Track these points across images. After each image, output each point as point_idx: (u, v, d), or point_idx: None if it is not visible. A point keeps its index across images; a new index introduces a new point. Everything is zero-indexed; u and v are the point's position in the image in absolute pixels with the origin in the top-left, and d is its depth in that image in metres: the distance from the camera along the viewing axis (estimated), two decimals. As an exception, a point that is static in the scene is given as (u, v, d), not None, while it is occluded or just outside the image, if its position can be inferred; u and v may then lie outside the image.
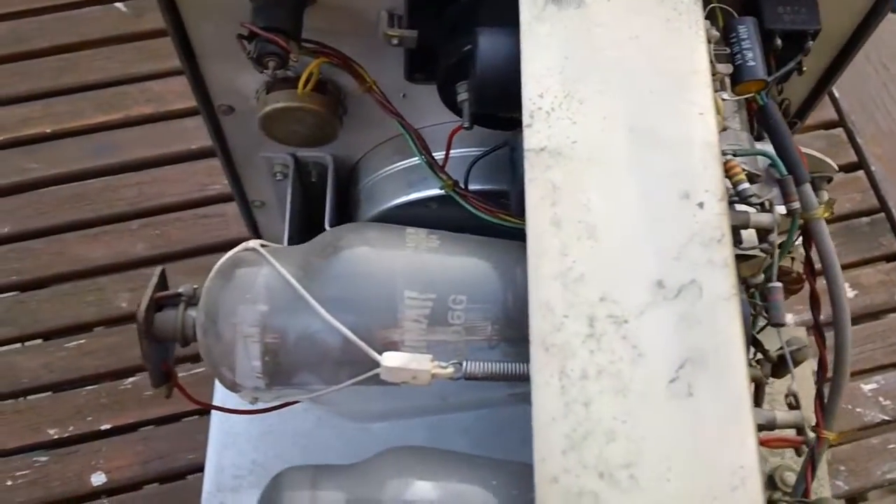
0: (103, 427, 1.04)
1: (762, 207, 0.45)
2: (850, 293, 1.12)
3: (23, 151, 1.19)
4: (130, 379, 1.07)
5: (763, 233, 0.45)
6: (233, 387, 0.46)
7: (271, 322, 0.44)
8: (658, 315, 0.41)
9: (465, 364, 0.42)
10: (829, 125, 1.23)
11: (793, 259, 0.58)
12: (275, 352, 0.44)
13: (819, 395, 0.53)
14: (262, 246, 0.45)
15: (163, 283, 0.47)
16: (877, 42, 1.22)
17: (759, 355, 0.51)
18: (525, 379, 0.42)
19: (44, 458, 1.02)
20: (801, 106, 0.70)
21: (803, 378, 0.54)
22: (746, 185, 0.45)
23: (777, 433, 0.42)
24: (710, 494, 0.37)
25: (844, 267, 1.11)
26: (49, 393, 1.06)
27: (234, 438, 0.65)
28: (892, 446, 1.05)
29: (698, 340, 0.40)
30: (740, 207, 0.45)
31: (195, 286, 0.47)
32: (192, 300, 0.46)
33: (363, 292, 0.43)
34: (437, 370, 0.41)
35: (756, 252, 0.45)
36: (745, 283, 0.47)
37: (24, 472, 1.02)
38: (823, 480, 0.70)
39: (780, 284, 0.45)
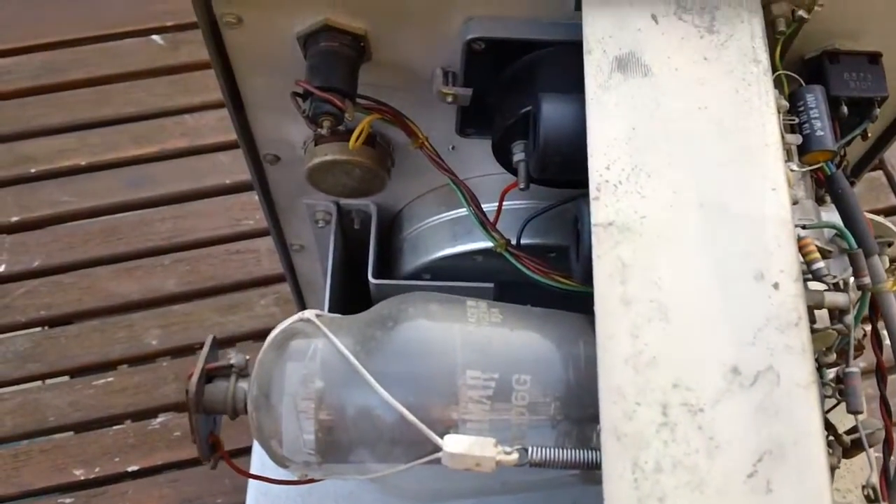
0: (130, 469, 1.03)
1: (836, 287, 0.43)
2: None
3: (56, 184, 1.19)
4: (159, 419, 1.06)
5: (838, 312, 0.43)
6: (282, 462, 0.44)
7: (326, 398, 0.42)
8: (734, 404, 0.39)
9: (530, 450, 0.40)
10: (889, 212, 1.21)
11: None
12: (329, 429, 0.42)
13: (884, 471, 0.50)
14: (318, 316, 0.44)
15: (213, 352, 0.46)
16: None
17: (830, 436, 0.49)
18: (594, 467, 0.40)
19: (69, 500, 1.01)
20: (857, 164, 0.68)
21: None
22: (821, 263, 0.43)
23: (858, 532, 0.40)
24: None
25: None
26: (75, 432, 1.05)
27: (272, 500, 0.64)
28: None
29: (776, 431, 0.38)
30: (814, 285, 0.44)
31: (247, 357, 0.46)
32: (243, 371, 0.45)
33: (423, 370, 0.42)
34: (502, 457, 0.40)
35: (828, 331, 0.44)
36: (815, 360, 0.45)
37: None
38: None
39: (857, 370, 0.43)
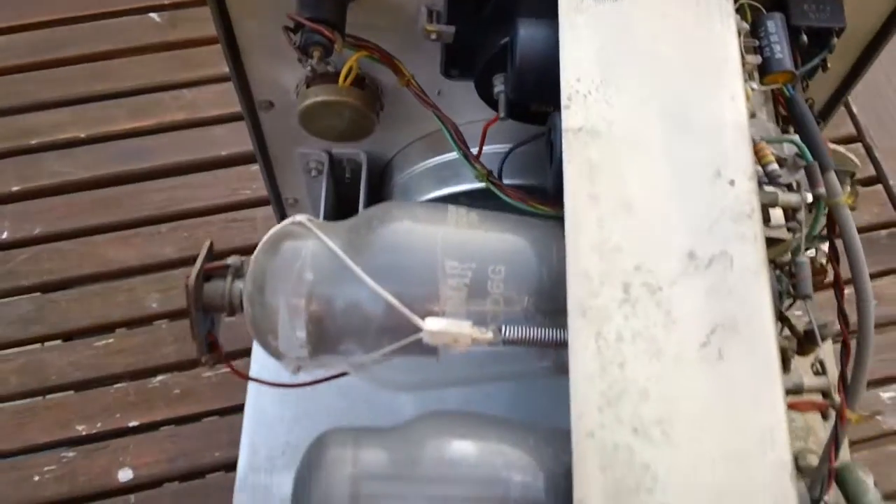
0: (131, 424, 1.06)
1: (789, 188, 0.47)
2: (868, 304, 1.13)
3: (56, 155, 1.22)
4: (158, 377, 1.09)
5: (791, 212, 0.47)
6: (277, 355, 0.48)
7: (317, 291, 0.46)
8: (690, 284, 0.42)
9: (503, 329, 0.43)
10: (848, 140, 1.25)
11: (816, 250, 0.59)
12: (319, 320, 0.46)
13: (843, 376, 0.54)
14: (309, 220, 0.47)
15: (210, 255, 0.49)
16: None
17: (787, 331, 0.52)
18: (562, 345, 0.44)
19: (71, 454, 1.04)
20: (824, 108, 0.72)
21: (827, 362, 0.55)
22: (775, 166, 0.47)
23: (804, 397, 0.43)
24: (741, 453, 0.39)
25: (863, 279, 1.13)
26: (77, 391, 1.08)
27: (267, 421, 0.67)
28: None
29: (729, 308, 0.42)
30: (769, 188, 0.47)
31: (242, 258, 0.49)
32: (240, 272, 0.48)
33: (406, 262, 0.45)
34: (477, 334, 0.43)
35: (783, 233, 0.47)
36: (773, 263, 0.49)
37: (51, 468, 1.03)
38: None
39: (807, 259, 0.47)
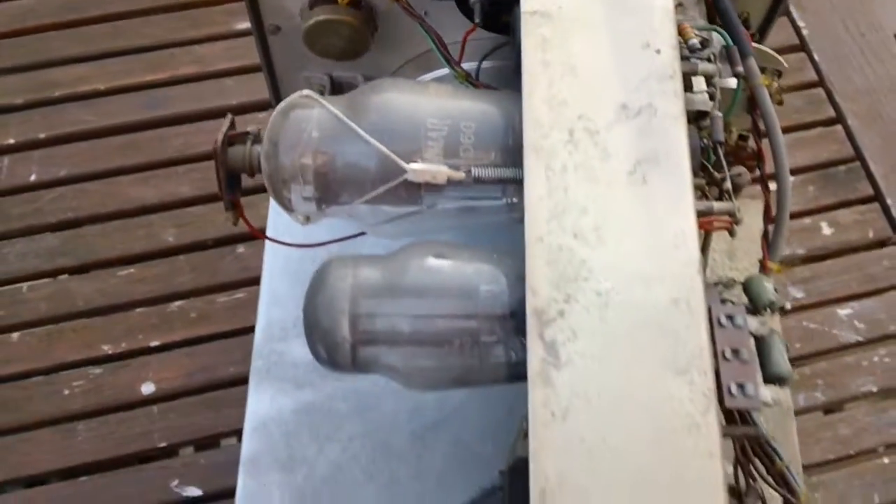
0: (152, 344, 1.16)
1: (708, 60, 0.57)
2: (828, 231, 1.24)
3: (79, 105, 1.32)
4: (176, 303, 1.19)
5: (709, 78, 0.57)
6: (289, 208, 0.58)
7: (322, 147, 0.56)
8: (622, 128, 0.53)
9: (473, 170, 0.54)
10: (809, 85, 1.35)
11: (740, 136, 0.69)
12: (324, 172, 0.56)
13: (765, 234, 0.64)
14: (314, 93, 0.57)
15: (233, 126, 0.59)
16: (854, 12, 1.34)
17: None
18: (519, 181, 0.54)
19: (98, 371, 1.15)
20: (762, 24, 0.82)
21: (753, 225, 0.65)
22: (696, 41, 0.57)
23: (713, 218, 0.53)
24: (658, 249, 0.49)
25: (824, 209, 1.23)
26: (102, 315, 1.18)
27: (279, 301, 0.77)
28: (865, 363, 1.15)
29: (652, 146, 0.52)
30: (692, 61, 0.57)
31: (259, 127, 0.59)
32: (258, 138, 0.58)
33: (394, 121, 0.55)
34: (452, 173, 0.53)
35: (704, 98, 0.57)
36: (697, 127, 0.59)
37: (79, 383, 1.14)
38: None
39: (719, 115, 0.57)
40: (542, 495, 0.44)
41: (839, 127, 1.31)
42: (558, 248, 0.49)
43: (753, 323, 0.49)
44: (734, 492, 0.50)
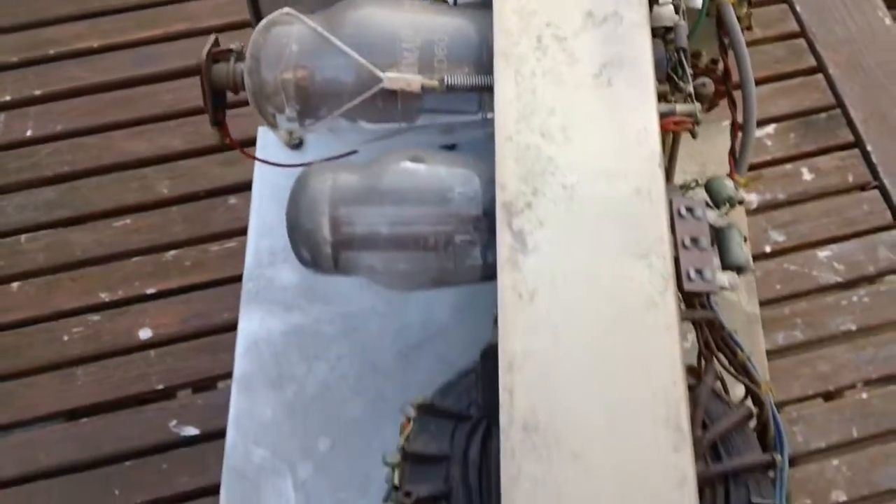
0: (149, 291, 1.19)
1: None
2: (808, 176, 1.26)
3: (73, 63, 1.34)
4: (171, 252, 1.22)
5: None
6: (273, 122, 0.60)
7: (302, 61, 0.58)
8: (588, 35, 0.55)
9: (446, 77, 0.56)
10: (791, 36, 1.37)
11: (712, 59, 0.72)
12: (304, 84, 0.58)
13: (731, 149, 0.67)
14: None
15: (217, 45, 0.62)
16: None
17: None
18: (490, 89, 0.56)
19: (96, 318, 1.17)
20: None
21: (724, 150, 0.68)
22: (661, -43, 0.59)
23: (675, 118, 0.56)
24: (621, 146, 0.52)
25: (805, 155, 1.26)
26: (99, 264, 1.21)
27: (269, 227, 0.80)
28: (844, 303, 1.18)
29: (617, 51, 0.55)
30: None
31: (243, 44, 0.62)
32: (241, 56, 0.61)
33: (371, 34, 0.58)
34: (426, 81, 0.56)
35: (670, 11, 0.59)
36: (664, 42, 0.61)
37: (78, 329, 1.16)
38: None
39: (684, 23, 0.59)
40: (510, 368, 0.47)
41: (820, 76, 1.34)
42: (526, 147, 0.52)
43: (712, 215, 0.52)
44: (694, 371, 0.53)
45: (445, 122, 0.62)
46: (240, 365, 0.75)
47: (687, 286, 0.50)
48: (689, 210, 0.52)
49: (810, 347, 1.17)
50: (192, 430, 1.11)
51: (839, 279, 1.20)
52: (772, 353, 1.15)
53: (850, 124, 1.30)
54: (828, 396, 1.13)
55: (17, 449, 1.09)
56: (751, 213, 1.24)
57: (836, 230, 1.23)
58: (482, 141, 0.62)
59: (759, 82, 1.30)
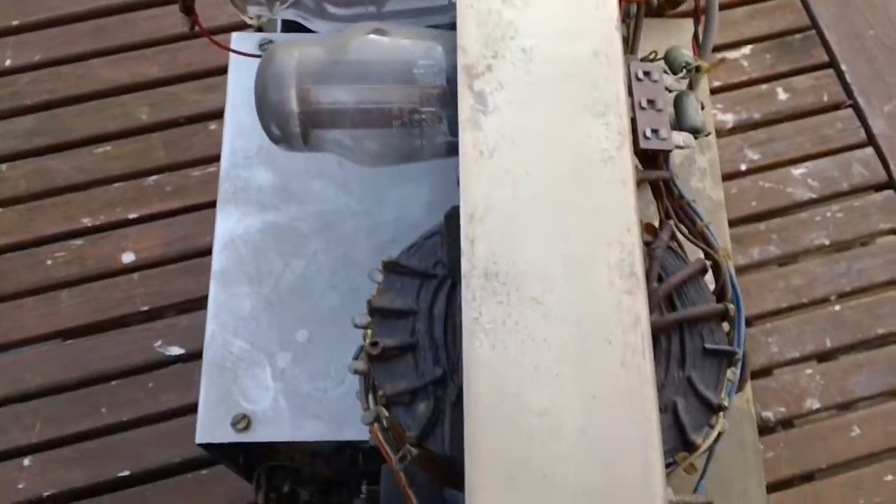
0: (131, 216, 1.20)
1: None
2: (784, 96, 1.27)
3: (50, -7, 1.34)
4: (152, 178, 1.22)
5: None
6: (242, 8, 0.61)
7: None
8: None
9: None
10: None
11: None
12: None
13: (695, 34, 0.68)
14: None
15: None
16: None
17: None
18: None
19: (79, 242, 1.18)
20: None
21: (687, 35, 0.69)
22: None
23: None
24: (580, 9, 0.53)
25: (781, 76, 1.27)
26: (81, 190, 1.22)
27: (244, 130, 0.80)
28: (818, 219, 1.20)
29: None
30: None
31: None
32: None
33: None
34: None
35: None
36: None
37: (62, 254, 1.18)
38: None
39: None
40: (471, 219, 0.48)
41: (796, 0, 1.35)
42: (487, 12, 0.53)
43: (669, 79, 0.53)
44: (651, 229, 0.54)
45: (415, 6, 0.63)
46: (217, 261, 0.76)
47: (643, 144, 0.52)
48: (647, 74, 0.53)
49: (785, 261, 1.19)
50: (177, 350, 1.12)
51: (813, 195, 1.22)
52: (747, 268, 1.17)
53: (825, 44, 1.31)
54: (801, 308, 1.15)
55: (3, 370, 1.11)
56: (726, 132, 1.25)
57: (811, 148, 1.24)
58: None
59: (734, 5, 1.32)
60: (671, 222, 0.53)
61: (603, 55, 0.52)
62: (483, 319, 0.46)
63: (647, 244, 0.52)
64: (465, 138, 0.50)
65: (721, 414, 0.48)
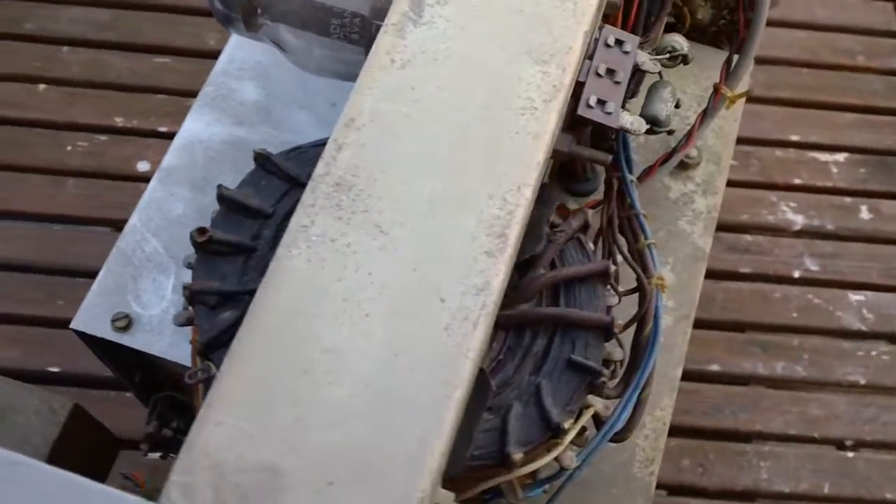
0: (160, 129, 1.17)
1: None
2: (866, 215, 1.16)
3: None
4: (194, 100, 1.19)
5: None
6: None
7: None
8: None
9: None
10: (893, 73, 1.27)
11: None
12: None
13: (728, 58, 0.59)
14: None
15: None
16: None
17: None
18: None
19: (104, 138, 1.16)
20: None
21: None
22: None
23: None
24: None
25: (869, 194, 1.16)
26: (125, 91, 1.20)
27: (248, 42, 0.75)
28: (860, 354, 1.08)
29: None
30: None
31: None
32: None
33: None
34: None
35: None
36: None
37: (83, 144, 1.16)
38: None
39: None
40: (349, 124, 0.41)
41: (914, 121, 1.23)
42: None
43: (644, 56, 0.45)
44: (564, 210, 0.46)
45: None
46: (169, 158, 0.72)
47: (582, 110, 0.44)
48: (619, 42, 0.45)
49: (808, 387, 1.06)
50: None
51: (863, 328, 1.09)
52: (766, 380, 1.06)
53: (927, 179, 1.19)
54: (810, 442, 1.03)
55: (-14, 236, 1.09)
56: (791, 233, 1.14)
57: (877, 278, 1.12)
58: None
59: (845, 109, 1.22)
60: (588, 210, 0.44)
61: (571, 3, 0.44)
62: (313, 230, 0.39)
63: (551, 226, 0.44)
64: (382, 42, 0.43)
65: (562, 439, 0.40)
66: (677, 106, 0.48)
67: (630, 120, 0.44)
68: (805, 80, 1.26)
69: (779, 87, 1.25)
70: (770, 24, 1.29)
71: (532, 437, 0.39)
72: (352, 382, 0.36)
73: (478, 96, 0.42)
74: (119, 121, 1.18)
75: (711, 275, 1.11)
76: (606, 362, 0.44)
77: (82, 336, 0.65)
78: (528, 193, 0.40)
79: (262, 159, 0.47)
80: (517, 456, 0.38)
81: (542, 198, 0.44)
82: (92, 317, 0.65)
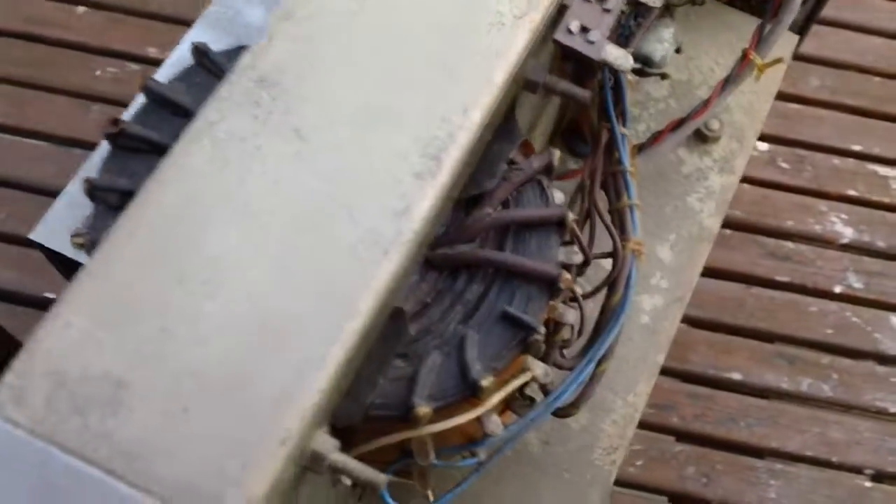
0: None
1: None
2: None
3: None
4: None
5: None
6: None
7: None
8: None
9: None
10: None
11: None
12: None
13: (761, 25, 0.53)
14: None
15: None
16: None
17: None
18: None
19: (135, 67, 1.14)
20: None
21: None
22: None
23: None
24: None
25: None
26: (166, 23, 1.17)
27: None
28: (894, 380, 1.00)
29: None
30: None
31: None
32: None
33: None
34: None
35: None
36: None
37: (113, 70, 1.13)
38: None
39: None
40: (287, 16, 0.37)
41: None
42: None
43: (646, -11, 0.40)
44: (529, 148, 0.40)
45: None
46: (163, 73, 0.67)
47: (559, 35, 0.38)
48: (618, -32, 0.40)
49: (833, 408, 0.99)
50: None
51: (902, 354, 1.01)
52: (788, 395, 0.99)
53: None
54: (826, 466, 0.96)
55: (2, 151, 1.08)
56: (837, 246, 1.07)
57: (924, 306, 1.04)
58: None
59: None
60: (555, 151, 0.39)
61: (563, -89, 0.39)
62: (222, 126, 0.34)
63: (509, 162, 0.39)
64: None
65: (483, 400, 0.34)
66: (678, 51, 0.42)
67: (615, 54, 0.38)
68: (875, 88, 1.18)
69: (845, 92, 1.17)
70: (848, 27, 1.22)
71: (446, 393, 0.34)
72: (230, 297, 0.31)
73: (444, 6, 0.37)
74: (152, 51, 1.15)
75: (744, 279, 1.04)
76: (556, 325, 0.39)
77: (41, 249, 0.62)
78: (475, 116, 0.35)
79: (199, 55, 0.42)
80: (422, 410, 0.33)
81: (507, 131, 0.39)
82: (51, 230, 0.61)
